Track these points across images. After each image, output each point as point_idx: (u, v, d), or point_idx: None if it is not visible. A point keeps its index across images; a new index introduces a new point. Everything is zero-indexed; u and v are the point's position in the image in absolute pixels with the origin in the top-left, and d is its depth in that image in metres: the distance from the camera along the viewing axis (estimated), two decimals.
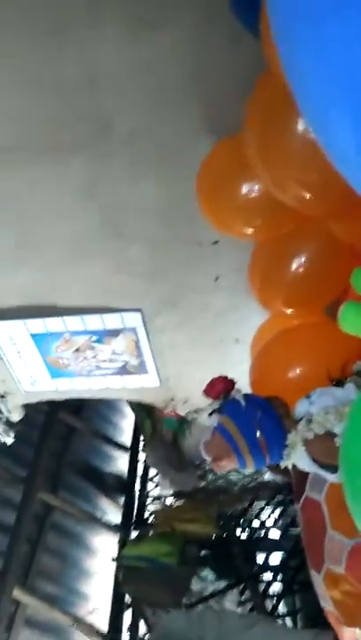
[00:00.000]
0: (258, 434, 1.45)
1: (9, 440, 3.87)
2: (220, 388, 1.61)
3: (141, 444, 5.53)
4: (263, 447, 1.45)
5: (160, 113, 2.13)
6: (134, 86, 2.06)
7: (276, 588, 3.63)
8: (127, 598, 4.41)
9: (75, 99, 2.10)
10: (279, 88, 1.55)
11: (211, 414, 1.60)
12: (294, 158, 1.61)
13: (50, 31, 1.95)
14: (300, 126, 1.57)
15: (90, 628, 4.41)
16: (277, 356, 2.32)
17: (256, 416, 1.47)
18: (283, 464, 1.45)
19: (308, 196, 1.70)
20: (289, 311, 2.36)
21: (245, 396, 1.56)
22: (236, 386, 1.66)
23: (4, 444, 3.98)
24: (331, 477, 1.35)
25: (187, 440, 4.13)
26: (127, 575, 4.20)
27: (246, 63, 1.89)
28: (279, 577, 3.60)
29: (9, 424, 3.76)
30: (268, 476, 4.51)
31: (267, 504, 4.40)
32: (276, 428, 1.44)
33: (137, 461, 5.82)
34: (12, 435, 3.85)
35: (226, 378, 1.65)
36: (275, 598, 3.44)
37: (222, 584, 3.91)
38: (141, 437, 5.37)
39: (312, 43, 0.54)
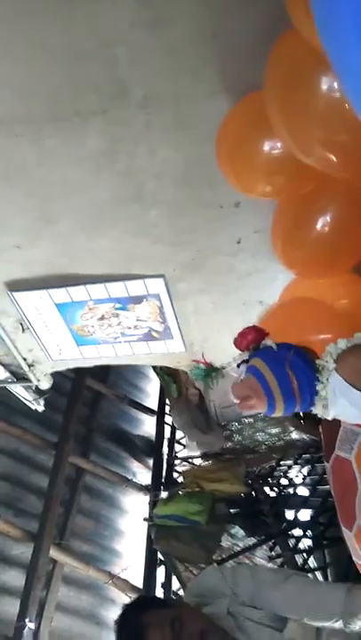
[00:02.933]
0: (290, 374, 1.40)
1: (40, 407, 3.97)
2: (252, 338, 1.56)
3: (167, 407, 5.60)
4: (295, 390, 1.40)
5: (175, 75, 2.06)
6: (148, 50, 1.99)
7: (306, 543, 3.71)
8: (159, 555, 4.56)
9: (87, 65, 2.04)
10: (303, 45, 1.49)
11: (239, 365, 1.57)
12: (319, 118, 1.55)
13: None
14: (325, 84, 1.50)
15: (125, 585, 4.60)
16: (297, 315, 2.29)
17: (288, 356, 1.43)
18: (316, 401, 1.40)
19: (334, 158, 1.64)
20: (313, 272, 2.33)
21: (277, 343, 1.52)
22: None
23: (35, 410, 4.09)
24: None
25: (213, 390, 4.12)
26: (159, 533, 4.33)
27: (264, 21, 1.81)
28: (309, 533, 3.67)
29: (39, 392, 3.85)
30: (295, 435, 4.55)
31: (295, 462, 4.45)
32: (308, 370, 1.39)
33: (164, 424, 5.93)
34: (42, 402, 3.95)
35: (257, 327, 1.62)
36: (305, 553, 3.52)
37: (252, 540, 4.01)
38: (167, 401, 5.44)
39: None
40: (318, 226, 2.15)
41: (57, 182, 2.44)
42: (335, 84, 1.52)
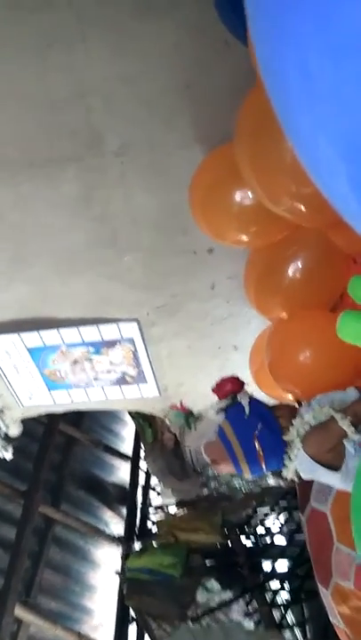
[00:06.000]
0: (256, 445, 1.45)
1: (7, 455, 3.83)
2: (229, 388, 1.62)
3: (142, 452, 5.48)
4: (260, 457, 1.45)
5: (150, 125, 2.11)
6: (123, 100, 2.05)
7: (284, 597, 3.58)
8: (132, 612, 4.34)
9: (64, 113, 2.08)
10: (269, 100, 1.54)
11: (218, 412, 1.61)
12: (287, 171, 1.59)
13: (36, 46, 1.93)
14: None
15: None
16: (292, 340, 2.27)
17: (256, 428, 1.46)
18: (284, 472, 1.45)
19: (302, 208, 1.67)
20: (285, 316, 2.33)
21: (251, 402, 1.54)
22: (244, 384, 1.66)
23: (3, 459, 3.94)
24: (332, 479, 1.32)
25: (189, 436, 4.07)
26: (131, 588, 4.14)
27: (236, 72, 1.88)
28: (286, 585, 3.55)
29: (7, 439, 3.72)
30: (272, 481, 4.47)
31: (271, 510, 4.35)
32: (276, 441, 1.44)
33: (138, 470, 5.77)
34: (11, 449, 3.81)
35: (236, 378, 1.66)
36: (282, 608, 3.39)
37: (228, 594, 3.86)
38: (142, 446, 5.32)
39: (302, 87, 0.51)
40: (290, 272, 2.17)
41: (31, 226, 2.44)
42: None
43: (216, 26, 1.77)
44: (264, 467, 1.45)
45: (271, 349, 2.19)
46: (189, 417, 4.00)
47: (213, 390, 1.66)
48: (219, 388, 1.64)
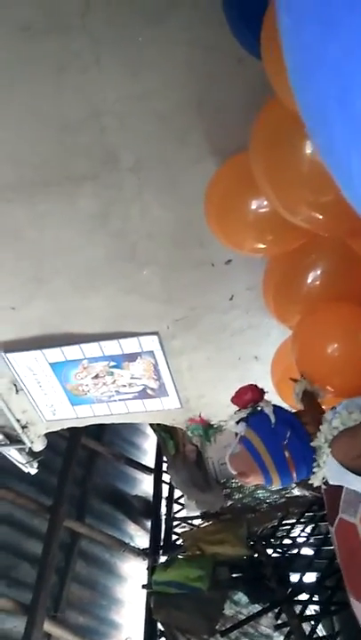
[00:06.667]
0: (286, 454, 1.43)
1: (32, 470, 3.86)
2: (249, 398, 1.58)
3: (165, 464, 5.46)
4: (291, 466, 1.43)
5: (165, 141, 2.14)
6: (136, 118, 2.08)
7: (313, 609, 3.52)
8: (160, 626, 4.31)
9: (78, 133, 2.11)
10: (285, 112, 1.55)
11: (238, 422, 1.58)
12: (304, 181, 1.59)
13: (50, 68, 1.97)
14: (309, 149, 1.56)
15: None
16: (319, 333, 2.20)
17: (285, 436, 1.44)
18: (312, 479, 1.42)
19: (320, 217, 1.67)
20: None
21: (275, 410, 1.53)
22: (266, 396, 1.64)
23: (28, 473, 3.97)
24: None
25: (211, 447, 4.06)
26: (158, 602, 4.11)
27: (249, 87, 1.90)
28: (316, 598, 3.49)
29: (32, 454, 3.75)
30: (297, 492, 4.42)
31: (298, 521, 4.29)
32: (306, 449, 1.41)
33: (161, 483, 5.76)
34: (36, 465, 3.84)
35: (255, 387, 1.63)
36: (312, 620, 3.33)
37: (256, 607, 3.81)
38: (164, 458, 5.31)
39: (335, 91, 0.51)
40: (310, 280, 2.17)
41: (50, 244, 2.48)
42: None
43: (228, 42, 1.79)
44: (295, 475, 1.43)
45: (298, 344, 2.10)
46: (208, 429, 4.00)
47: (233, 400, 1.63)
48: (238, 398, 1.61)
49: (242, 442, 1.50)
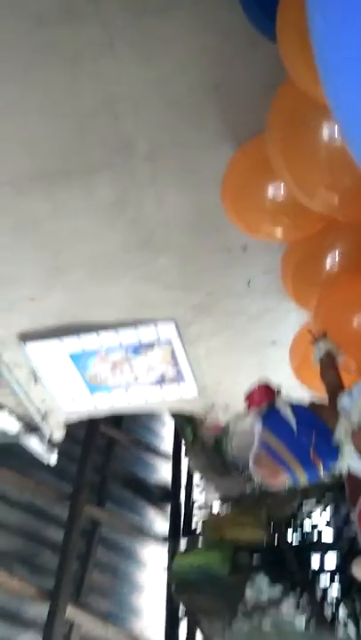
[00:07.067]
0: (313, 456, 1.43)
1: (52, 460, 3.91)
2: (261, 399, 1.57)
3: (183, 450, 5.49)
4: (318, 465, 1.43)
5: (179, 127, 2.13)
6: (151, 104, 2.06)
7: (335, 592, 3.54)
8: (182, 610, 4.37)
9: (94, 122, 2.11)
10: (301, 94, 1.53)
11: (256, 421, 1.57)
12: (321, 163, 1.58)
13: (64, 57, 1.96)
14: (326, 131, 1.54)
15: None
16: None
17: (311, 440, 1.43)
18: (336, 469, 1.42)
19: (336, 201, 1.66)
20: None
21: (294, 411, 1.50)
22: (281, 391, 1.62)
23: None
24: None
25: (229, 448, 4.09)
26: (179, 586, 4.16)
27: (264, 70, 1.87)
28: (336, 580, 3.51)
29: (51, 443, 3.79)
30: None
31: (317, 504, 4.30)
32: (331, 445, 1.41)
33: (180, 469, 5.80)
34: (55, 454, 3.88)
35: (265, 387, 1.61)
36: (333, 603, 3.36)
37: (277, 590, 3.84)
38: (183, 444, 5.34)
39: None
40: (328, 263, 2.15)
41: (67, 234, 2.49)
42: (335, 131, 1.56)
43: (242, 25, 1.77)
44: (322, 470, 1.43)
45: (321, 315, 2.07)
46: (224, 436, 4.03)
47: (246, 401, 1.61)
48: (251, 401, 1.59)
49: (262, 446, 1.48)
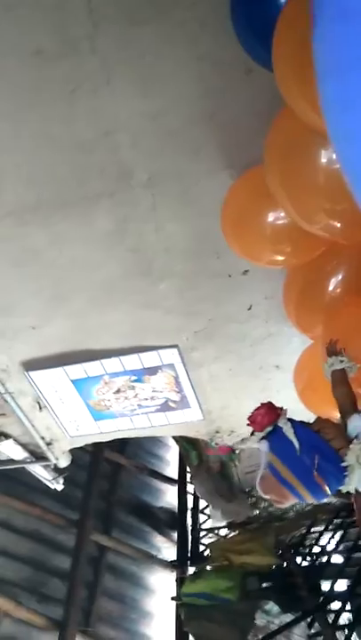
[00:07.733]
0: (317, 479, 1.41)
1: (59, 486, 3.88)
2: (263, 420, 1.55)
3: (188, 475, 5.45)
4: (322, 484, 1.41)
5: (178, 156, 2.16)
6: (149, 135, 2.10)
7: (346, 617, 3.48)
8: (191, 638, 4.29)
9: (91, 152, 2.14)
10: (298, 122, 1.56)
11: (260, 440, 1.55)
12: (320, 189, 1.59)
13: (62, 91, 2.00)
14: (324, 157, 1.56)
15: None
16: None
17: (314, 463, 1.42)
18: (344, 489, 1.40)
19: (338, 225, 1.67)
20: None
21: (296, 432, 1.49)
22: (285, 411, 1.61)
23: (55, 489, 4.00)
24: None
25: (236, 470, 4.07)
26: (188, 614, 4.10)
27: (259, 98, 1.91)
28: (348, 606, 3.45)
29: (57, 470, 3.77)
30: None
31: (326, 528, 4.25)
32: (335, 467, 1.39)
33: (186, 494, 5.74)
34: (61, 481, 3.86)
35: (268, 407, 1.58)
36: (346, 629, 3.29)
37: (288, 617, 3.77)
38: (188, 469, 5.30)
39: None
40: (331, 288, 2.15)
41: (68, 263, 2.50)
42: (333, 156, 1.58)
43: (236, 54, 1.81)
44: (327, 490, 1.42)
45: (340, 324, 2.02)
46: (232, 455, 3.99)
47: (249, 423, 1.58)
48: (254, 424, 1.57)
49: (267, 467, 1.48)
